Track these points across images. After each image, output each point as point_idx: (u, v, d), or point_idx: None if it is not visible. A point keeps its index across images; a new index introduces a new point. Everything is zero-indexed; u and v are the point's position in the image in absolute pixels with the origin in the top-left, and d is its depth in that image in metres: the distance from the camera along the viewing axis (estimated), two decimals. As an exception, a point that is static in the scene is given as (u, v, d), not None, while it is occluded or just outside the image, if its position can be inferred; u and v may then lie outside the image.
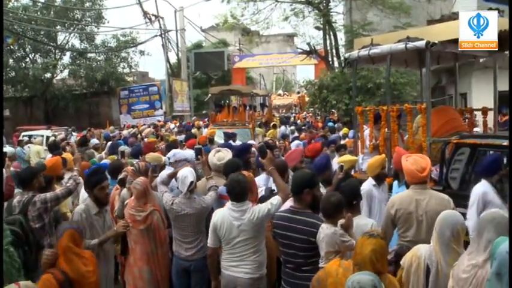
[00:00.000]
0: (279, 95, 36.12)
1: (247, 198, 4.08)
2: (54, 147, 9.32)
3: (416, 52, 6.02)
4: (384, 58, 6.10)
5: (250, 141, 9.39)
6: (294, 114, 26.97)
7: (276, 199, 4.06)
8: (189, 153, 6.75)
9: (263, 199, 4.59)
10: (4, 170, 7.21)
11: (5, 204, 5.07)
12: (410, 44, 5.38)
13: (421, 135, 5.49)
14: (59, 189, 4.95)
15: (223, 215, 4.04)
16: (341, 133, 12.24)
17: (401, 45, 5.50)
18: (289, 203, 4.19)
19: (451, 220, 3.09)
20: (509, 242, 2.30)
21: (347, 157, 6.25)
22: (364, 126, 6.67)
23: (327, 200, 3.64)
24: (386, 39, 5.92)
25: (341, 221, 3.49)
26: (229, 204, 4.07)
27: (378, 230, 3.19)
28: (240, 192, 4.01)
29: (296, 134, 13.05)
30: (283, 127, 16.15)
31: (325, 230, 3.51)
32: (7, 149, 11.88)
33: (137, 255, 4.68)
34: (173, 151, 6.49)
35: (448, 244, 3.05)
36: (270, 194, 4.89)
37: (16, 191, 6.08)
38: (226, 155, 5.39)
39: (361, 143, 6.45)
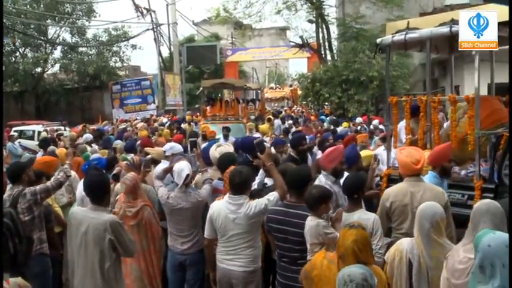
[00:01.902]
0: (271, 88, 36.00)
1: (247, 191, 4.05)
2: (45, 144, 9.24)
3: (447, 38, 5.53)
4: (417, 43, 5.75)
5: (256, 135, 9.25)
6: (284, 108, 26.84)
7: (273, 195, 3.99)
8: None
9: (255, 192, 4.59)
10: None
11: None
12: (457, 27, 4.76)
13: (462, 127, 5.06)
14: (49, 182, 4.91)
15: (220, 208, 4.03)
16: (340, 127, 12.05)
17: (444, 29, 4.97)
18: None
19: (429, 211, 3.12)
20: (509, 238, 2.33)
21: (367, 152, 6.18)
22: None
23: (309, 193, 3.63)
24: (423, 23, 5.43)
25: (330, 214, 3.51)
26: (226, 197, 4.05)
27: (359, 222, 3.20)
28: (240, 183, 3.96)
29: (294, 128, 12.75)
30: (277, 121, 16.08)
31: (309, 222, 3.53)
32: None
33: (127, 252, 4.67)
34: (170, 144, 6.47)
35: (428, 235, 3.08)
36: (262, 187, 4.89)
37: (8, 186, 6.06)
38: (228, 149, 5.38)
39: (395, 137, 5.94)
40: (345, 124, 12.68)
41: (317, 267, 3.09)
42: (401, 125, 6.06)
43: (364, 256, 2.81)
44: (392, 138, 5.96)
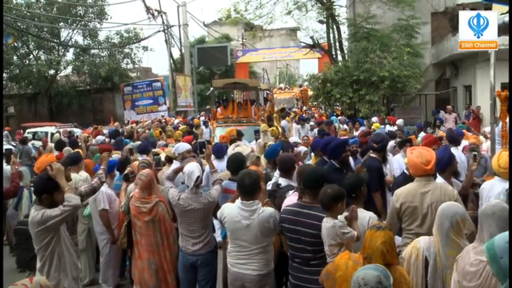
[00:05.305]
0: (280, 88, 35.54)
1: (257, 194, 4.02)
2: (60, 145, 9.38)
3: None
4: None
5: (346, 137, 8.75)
6: (295, 109, 26.47)
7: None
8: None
9: (269, 193, 4.61)
10: (10, 166, 7.26)
11: None
12: None
13: None
14: (83, 186, 4.70)
15: (232, 213, 3.99)
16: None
17: None
18: (294, 197, 4.18)
19: (449, 210, 3.10)
20: (509, 238, 2.31)
21: None
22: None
23: (323, 192, 3.57)
24: None
25: (345, 213, 3.50)
26: (238, 202, 4.00)
27: (384, 223, 3.19)
28: (249, 185, 3.93)
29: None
30: (284, 122, 15.90)
31: (325, 224, 3.51)
32: (7, 146, 11.95)
33: (142, 247, 4.72)
34: (176, 145, 6.52)
35: (447, 234, 3.05)
36: (276, 187, 4.89)
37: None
38: (246, 149, 5.39)
39: (503, 137, 5.18)
40: (376, 125, 12.31)
41: (341, 269, 3.05)
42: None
43: (391, 257, 2.83)
44: (499, 139, 5.28)
